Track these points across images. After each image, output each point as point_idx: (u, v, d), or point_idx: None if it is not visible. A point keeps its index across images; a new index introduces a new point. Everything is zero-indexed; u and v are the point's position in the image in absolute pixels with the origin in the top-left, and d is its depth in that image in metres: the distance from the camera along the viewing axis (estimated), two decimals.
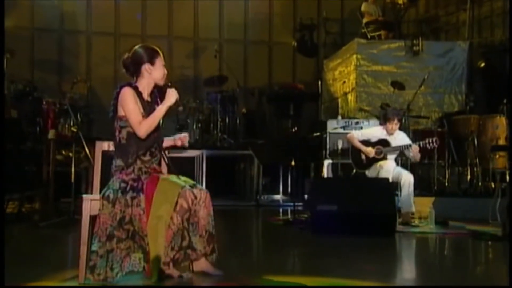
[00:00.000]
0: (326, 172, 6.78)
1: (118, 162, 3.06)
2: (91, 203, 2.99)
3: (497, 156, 6.61)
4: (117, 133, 3.09)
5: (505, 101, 6.61)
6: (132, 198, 2.96)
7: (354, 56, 8.32)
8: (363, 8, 9.11)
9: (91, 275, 2.90)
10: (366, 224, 4.79)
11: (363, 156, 5.82)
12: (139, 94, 3.10)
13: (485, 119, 6.93)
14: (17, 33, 8.92)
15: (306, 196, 8.01)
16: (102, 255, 2.91)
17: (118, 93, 3.08)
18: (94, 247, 2.92)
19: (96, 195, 3.04)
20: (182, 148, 3.45)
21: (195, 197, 2.99)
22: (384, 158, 5.72)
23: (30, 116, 6.29)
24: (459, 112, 7.74)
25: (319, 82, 9.58)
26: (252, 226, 6.36)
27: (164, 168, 3.24)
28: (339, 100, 8.79)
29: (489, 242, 4.70)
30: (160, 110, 3.04)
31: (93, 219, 3.00)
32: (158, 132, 3.12)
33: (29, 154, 5.95)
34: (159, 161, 3.20)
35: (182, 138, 3.26)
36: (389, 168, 5.61)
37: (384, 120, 5.86)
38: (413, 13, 10.26)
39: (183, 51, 9.95)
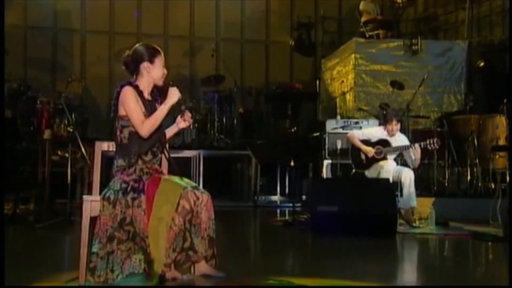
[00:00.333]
0: (325, 172, 6.80)
1: (119, 162, 3.05)
2: (91, 204, 2.99)
3: (497, 156, 6.65)
4: (118, 133, 3.08)
5: (505, 100, 6.63)
6: (133, 199, 2.95)
7: (353, 55, 8.33)
8: (361, 6, 9.12)
9: (92, 277, 2.89)
10: (367, 225, 4.81)
11: (363, 156, 5.85)
12: (140, 93, 3.10)
13: (485, 119, 6.96)
14: (10, 31, 8.86)
15: (304, 197, 8.05)
16: (102, 257, 2.90)
17: (118, 93, 3.08)
18: (94, 249, 2.91)
19: (97, 196, 3.03)
20: (179, 148, 3.44)
21: (197, 198, 3.00)
22: (384, 158, 5.75)
23: (25, 116, 6.27)
24: (459, 112, 7.76)
25: (317, 82, 9.60)
26: (252, 227, 6.38)
27: (164, 168, 3.25)
28: (337, 100, 8.79)
29: (491, 243, 4.73)
30: (163, 109, 3.04)
31: (93, 220, 3.00)
32: (160, 132, 3.12)
33: (24, 154, 5.93)
34: (160, 161, 3.21)
35: (184, 117, 3.14)
36: (389, 168, 5.64)
37: (384, 121, 5.90)
38: (411, 12, 10.29)
39: (179, 50, 9.95)
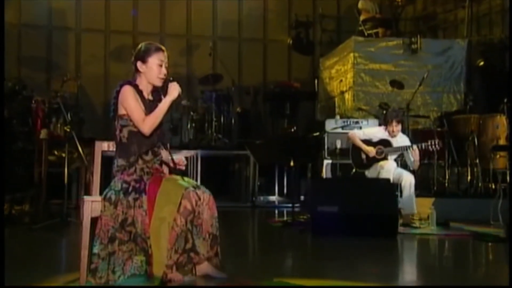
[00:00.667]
0: (324, 172, 6.82)
1: (119, 162, 3.06)
2: (92, 205, 3.00)
3: (497, 156, 6.68)
4: (117, 132, 3.09)
5: (505, 100, 6.67)
6: (135, 199, 2.96)
7: (351, 54, 8.34)
8: (360, 5, 9.14)
9: (93, 278, 2.90)
10: (367, 225, 4.84)
11: (363, 156, 5.88)
12: (139, 92, 3.11)
13: (486, 118, 6.98)
14: (4, 29, 8.86)
15: (302, 197, 8.07)
16: (103, 258, 2.91)
17: (118, 92, 3.09)
18: (95, 250, 2.92)
19: (97, 197, 3.04)
20: (176, 148, 3.44)
21: (199, 198, 3.01)
22: (385, 158, 5.78)
23: (20, 115, 6.26)
24: (459, 111, 7.79)
25: (316, 81, 9.62)
26: (251, 228, 6.39)
27: (165, 168, 3.26)
28: (336, 99, 8.82)
29: (492, 244, 4.74)
30: (163, 105, 3.05)
31: (93, 221, 3.01)
32: (161, 130, 3.13)
33: (19, 155, 5.92)
34: (161, 161, 3.22)
35: (178, 161, 3.19)
36: (390, 168, 5.66)
37: (384, 122, 5.93)
38: (410, 10, 10.33)
39: (175, 48, 9.92)
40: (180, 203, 2.94)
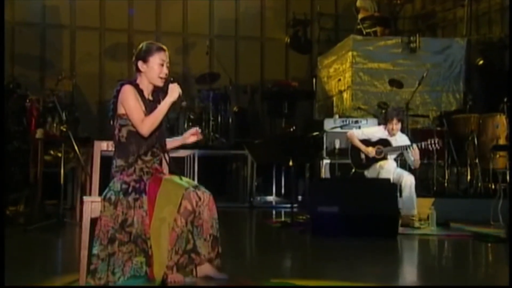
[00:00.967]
0: (323, 172, 6.83)
1: (118, 162, 3.07)
2: (91, 205, 2.99)
3: (497, 156, 6.71)
4: (116, 132, 3.09)
5: (505, 99, 6.71)
6: (135, 200, 2.97)
7: (350, 53, 8.36)
8: (358, 3, 9.15)
9: (92, 279, 2.90)
10: (368, 225, 4.86)
11: (363, 156, 5.89)
12: (140, 92, 3.11)
13: (485, 118, 7.00)
14: None
15: (300, 197, 8.09)
16: (103, 259, 2.91)
17: (118, 91, 3.09)
18: (95, 250, 2.92)
19: (96, 197, 3.04)
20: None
21: (199, 199, 3.01)
22: (384, 158, 5.80)
23: (15, 115, 6.24)
24: (459, 111, 7.81)
25: (314, 80, 9.63)
26: (250, 228, 6.41)
27: (165, 168, 3.26)
28: (334, 99, 8.83)
29: (493, 244, 4.76)
30: (163, 106, 3.05)
31: (92, 221, 3.01)
32: (160, 131, 3.13)
33: (14, 154, 5.90)
34: (161, 161, 3.22)
35: (194, 132, 3.24)
36: (389, 168, 5.68)
37: (384, 120, 5.94)
38: (409, 9, 10.35)
39: (171, 47, 9.81)
40: (181, 203, 2.95)
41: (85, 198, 3.05)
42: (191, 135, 3.28)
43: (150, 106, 3.10)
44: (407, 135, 6.24)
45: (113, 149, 3.16)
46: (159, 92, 3.19)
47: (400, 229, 5.17)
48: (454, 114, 7.57)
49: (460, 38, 8.64)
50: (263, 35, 10.52)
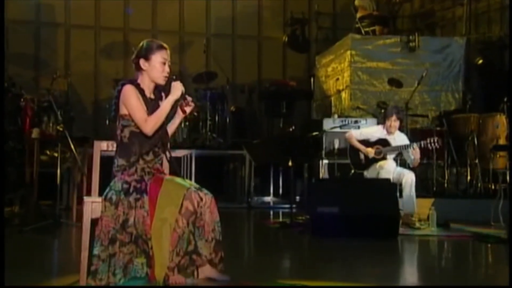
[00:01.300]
0: (322, 172, 6.85)
1: (120, 162, 3.07)
2: (92, 205, 3.00)
3: (497, 156, 6.74)
4: (118, 132, 3.09)
5: (505, 99, 6.74)
6: (136, 200, 2.97)
7: (348, 52, 8.38)
8: (357, 2, 9.18)
9: (93, 280, 2.90)
10: (368, 226, 4.87)
11: (362, 156, 5.91)
12: (141, 91, 3.11)
13: (485, 118, 7.03)
14: None
15: (298, 198, 8.10)
16: (104, 260, 2.91)
17: (119, 91, 3.09)
18: (95, 251, 2.92)
19: (96, 197, 3.05)
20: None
21: (201, 199, 3.02)
22: (384, 158, 5.82)
23: (11, 114, 6.23)
24: (459, 110, 7.85)
25: (312, 79, 9.65)
26: (250, 229, 6.42)
27: (166, 169, 3.27)
28: (332, 98, 8.85)
29: (495, 245, 4.78)
30: (166, 105, 3.06)
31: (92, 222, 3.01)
32: (162, 130, 3.14)
33: (10, 154, 5.89)
34: (162, 161, 3.23)
35: (186, 102, 3.12)
36: (389, 168, 5.71)
37: (383, 118, 5.97)
38: (408, 8, 10.39)
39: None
40: (182, 204, 2.95)
41: (85, 198, 3.05)
42: (186, 106, 3.16)
43: (151, 105, 3.11)
44: (407, 134, 6.26)
45: (113, 149, 3.16)
46: (160, 90, 3.20)
47: (400, 230, 5.19)
48: (453, 114, 7.60)
49: (459, 37, 8.67)
50: (261, 34, 10.54)
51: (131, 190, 2.99)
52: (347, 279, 3.44)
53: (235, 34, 10.43)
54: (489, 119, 7.02)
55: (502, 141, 6.83)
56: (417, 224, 5.64)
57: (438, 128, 7.11)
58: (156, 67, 3.10)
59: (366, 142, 5.92)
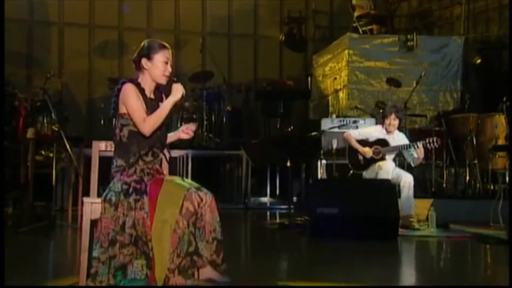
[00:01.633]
0: (320, 173, 6.85)
1: (119, 162, 3.06)
2: (91, 207, 2.99)
3: (496, 156, 6.77)
4: (117, 131, 3.09)
5: (504, 98, 6.78)
6: (136, 201, 2.96)
7: (346, 51, 8.41)
8: (354, 1, 9.20)
9: (92, 283, 2.89)
10: (368, 227, 4.89)
11: (361, 157, 5.92)
12: (141, 91, 3.11)
13: (484, 118, 7.07)
14: None
15: (295, 198, 8.10)
16: (104, 262, 2.91)
17: (119, 90, 3.08)
18: (95, 253, 2.91)
19: (95, 198, 3.04)
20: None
21: (201, 200, 3.02)
22: (383, 158, 5.83)
23: (5, 113, 6.20)
24: (457, 110, 7.88)
25: (309, 79, 9.66)
26: (248, 230, 6.42)
27: (165, 169, 3.27)
28: (330, 98, 8.87)
29: (495, 246, 4.80)
30: (166, 106, 3.06)
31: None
32: (161, 131, 3.14)
33: (5, 155, 5.86)
34: (161, 162, 3.23)
35: (189, 127, 3.26)
36: (388, 169, 5.72)
37: (382, 117, 5.98)
38: (405, 7, 10.43)
39: None
40: (182, 204, 2.95)
41: (85, 199, 3.04)
42: (183, 132, 3.28)
43: (151, 105, 3.10)
44: (405, 135, 6.27)
45: (112, 149, 3.16)
46: (161, 91, 3.20)
47: (400, 231, 5.20)
48: (452, 114, 7.63)
49: (457, 36, 8.71)
50: (257, 32, 10.54)
51: (130, 191, 2.98)
52: (346, 280, 3.46)
53: (231, 33, 10.42)
54: (488, 119, 7.05)
55: (501, 141, 6.87)
56: (416, 225, 5.66)
57: (436, 128, 7.14)
58: (158, 67, 3.11)
59: (364, 142, 5.93)
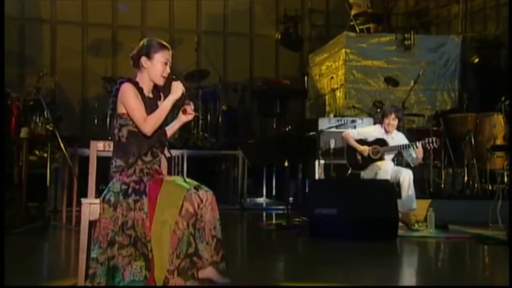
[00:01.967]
0: (318, 173, 6.87)
1: (118, 162, 3.06)
2: (90, 207, 3.00)
3: (494, 156, 6.81)
4: (116, 131, 3.09)
5: (503, 98, 6.82)
6: (135, 201, 2.96)
7: (343, 50, 8.43)
8: None
9: (91, 283, 2.90)
10: (367, 228, 4.91)
11: (359, 156, 5.94)
12: (139, 90, 3.12)
13: (483, 117, 7.09)
14: None
15: (291, 199, 8.12)
16: (102, 263, 2.91)
17: (117, 90, 3.09)
18: (94, 254, 2.92)
19: (94, 199, 3.05)
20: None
21: (201, 201, 3.03)
22: (382, 158, 5.86)
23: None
24: (456, 110, 7.92)
25: (306, 78, 9.68)
26: (245, 231, 6.42)
27: (164, 169, 3.28)
28: (327, 97, 8.89)
29: (495, 247, 4.84)
30: (166, 105, 3.06)
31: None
32: (161, 130, 3.15)
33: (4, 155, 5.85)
34: (160, 162, 3.23)
35: (186, 110, 3.18)
36: (387, 168, 5.74)
37: (381, 117, 6.00)
38: (402, 5, 10.47)
39: None
40: (182, 205, 2.96)
41: (83, 199, 3.04)
42: (184, 115, 3.23)
43: (150, 104, 3.11)
44: (404, 135, 6.30)
45: (110, 149, 3.16)
46: (159, 89, 3.20)
47: (399, 231, 5.22)
48: (450, 113, 7.66)
49: (455, 35, 8.75)
50: (253, 31, 10.54)
51: (130, 191, 2.99)
52: (345, 280, 3.49)
53: (227, 32, 10.42)
54: (486, 118, 7.08)
55: (499, 141, 6.90)
56: (416, 226, 5.69)
57: (435, 128, 7.17)
58: (157, 67, 3.12)
59: (363, 142, 5.95)
